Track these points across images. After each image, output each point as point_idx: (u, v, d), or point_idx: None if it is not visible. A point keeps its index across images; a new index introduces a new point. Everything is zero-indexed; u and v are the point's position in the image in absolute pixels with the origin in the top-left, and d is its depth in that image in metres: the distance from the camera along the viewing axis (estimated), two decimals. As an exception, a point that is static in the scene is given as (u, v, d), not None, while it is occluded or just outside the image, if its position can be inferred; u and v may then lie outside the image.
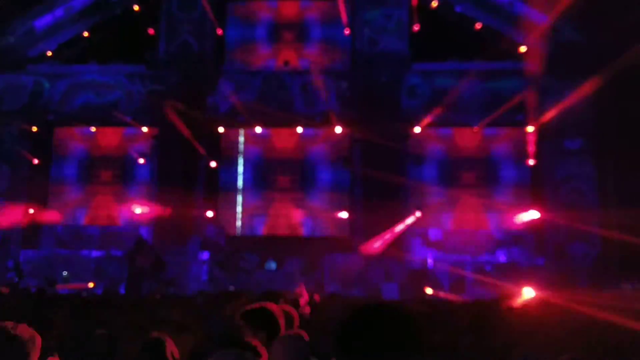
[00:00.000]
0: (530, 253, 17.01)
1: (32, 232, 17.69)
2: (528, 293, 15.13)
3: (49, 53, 18.65)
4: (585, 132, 16.80)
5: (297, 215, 17.69)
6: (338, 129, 17.59)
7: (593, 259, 16.26)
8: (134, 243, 15.10)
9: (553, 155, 16.92)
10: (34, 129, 18.19)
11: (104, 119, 18.21)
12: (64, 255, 17.16)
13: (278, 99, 17.55)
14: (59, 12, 18.15)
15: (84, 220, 18.24)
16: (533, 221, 16.80)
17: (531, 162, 17.14)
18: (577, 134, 16.93)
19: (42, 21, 18.24)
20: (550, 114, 16.67)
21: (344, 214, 17.19)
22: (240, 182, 17.99)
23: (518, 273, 16.34)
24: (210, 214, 17.53)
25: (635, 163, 14.93)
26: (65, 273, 16.54)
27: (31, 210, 17.79)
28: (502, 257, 17.07)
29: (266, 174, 17.96)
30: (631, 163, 15.06)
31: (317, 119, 17.51)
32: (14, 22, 18.07)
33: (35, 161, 18.10)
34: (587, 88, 16.37)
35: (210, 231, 17.11)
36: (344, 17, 17.67)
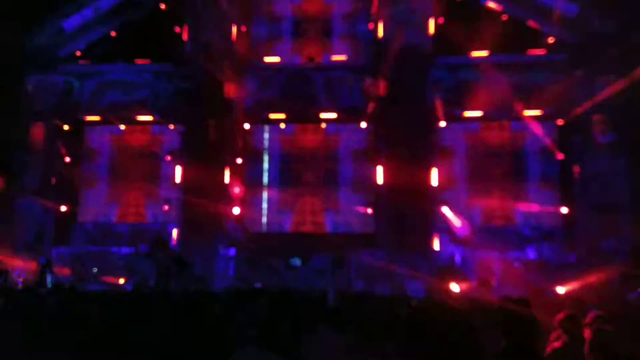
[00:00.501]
0: (560, 250, 16.63)
1: (64, 229, 18.08)
2: (559, 291, 14.92)
3: (78, 53, 18.99)
4: (617, 126, 16.32)
5: (322, 212, 17.66)
6: (363, 124, 17.48)
7: (625, 255, 15.82)
8: (152, 241, 15.29)
9: (583, 149, 16.49)
10: (66, 127, 18.60)
11: (132, 117, 18.50)
12: (95, 252, 17.47)
13: (302, 94, 17.52)
14: (87, 12, 18.46)
15: (114, 218, 18.54)
16: (563, 217, 16.48)
17: (560, 156, 16.77)
18: (609, 128, 16.45)
19: (71, 22, 18.56)
20: (580, 108, 16.30)
21: (369, 210, 17.08)
22: (265, 179, 18.05)
23: (548, 270, 16.06)
24: (236, 210, 17.64)
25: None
26: (95, 270, 16.86)
27: (63, 208, 18.22)
28: (531, 254, 16.73)
29: (291, 170, 17.98)
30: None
31: (342, 114, 17.44)
32: (44, 23, 18.45)
33: (67, 159, 18.50)
34: (618, 80, 15.96)
35: (231, 228, 17.28)
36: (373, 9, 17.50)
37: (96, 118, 18.77)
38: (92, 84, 18.61)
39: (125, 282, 16.36)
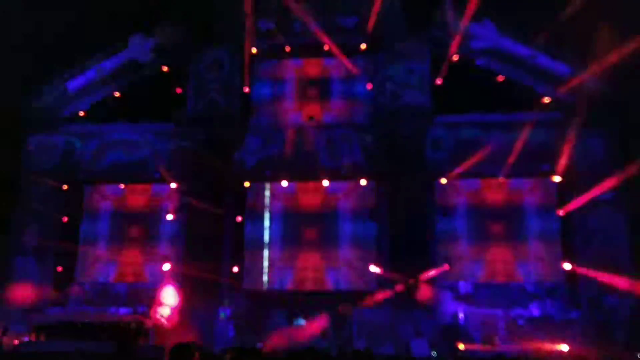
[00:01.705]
0: (563, 306, 16.53)
1: (61, 289, 17.78)
2: (563, 348, 14.76)
3: (81, 113, 19.21)
4: (617, 183, 16.53)
5: (324, 270, 17.54)
6: (363, 182, 17.63)
7: (628, 311, 15.76)
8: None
9: (584, 206, 16.63)
10: (65, 187, 18.57)
11: (133, 177, 18.58)
12: (92, 313, 17.09)
13: (304, 153, 17.76)
14: (91, 73, 18.80)
15: (112, 277, 18.28)
16: (566, 273, 16.46)
17: (561, 212, 16.92)
18: (608, 185, 16.67)
19: (75, 83, 18.88)
20: (578, 165, 16.62)
21: (374, 268, 16.98)
22: (266, 237, 17.99)
23: (552, 327, 15.92)
24: (235, 269, 17.50)
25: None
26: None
27: (60, 268, 17.98)
28: (535, 311, 16.60)
29: (292, 228, 17.95)
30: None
31: (343, 172, 17.63)
32: (48, 84, 18.75)
33: (65, 219, 18.39)
34: (615, 139, 16.37)
35: (231, 287, 17.15)
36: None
37: (97, 178, 18.79)
38: (93, 144, 18.77)
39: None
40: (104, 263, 18.45)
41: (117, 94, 19.08)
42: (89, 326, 14.81)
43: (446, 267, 16.80)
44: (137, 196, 18.91)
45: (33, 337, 14.94)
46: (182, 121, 18.48)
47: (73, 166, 18.67)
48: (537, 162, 16.95)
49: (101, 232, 18.73)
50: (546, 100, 17.32)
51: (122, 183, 18.84)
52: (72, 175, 18.65)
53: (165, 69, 19.00)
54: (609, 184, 16.21)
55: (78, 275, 18.32)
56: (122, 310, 17.08)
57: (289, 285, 17.52)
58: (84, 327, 14.81)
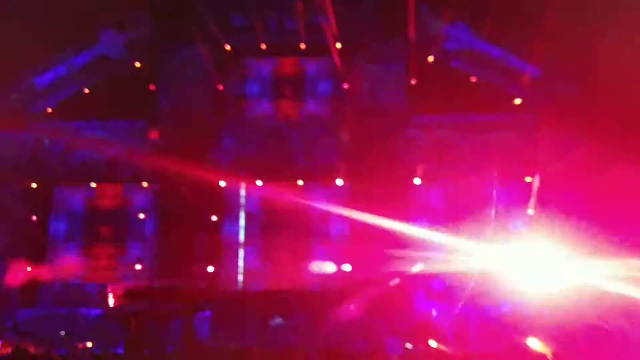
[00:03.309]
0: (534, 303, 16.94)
1: (31, 290, 17.40)
2: (533, 344, 15.17)
3: (50, 110, 18.74)
4: (583, 183, 17.00)
5: (299, 268, 17.60)
6: (339, 182, 17.72)
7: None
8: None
9: (552, 205, 17.06)
10: (34, 185, 18.15)
11: (104, 176, 18.24)
12: (63, 314, 16.83)
13: (279, 152, 17.74)
14: (60, 69, 18.36)
15: (83, 278, 17.97)
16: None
17: (530, 212, 17.31)
18: (575, 185, 17.13)
19: (44, 78, 18.41)
20: (547, 165, 17.03)
21: (349, 267, 17.13)
22: (242, 236, 17.94)
23: (522, 324, 16.31)
24: (211, 269, 17.41)
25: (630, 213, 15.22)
26: (62, 333, 16.22)
27: (29, 268, 17.59)
28: (505, 308, 17.00)
29: (268, 227, 17.94)
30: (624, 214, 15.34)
31: (318, 172, 17.68)
32: (15, 80, 18.23)
33: (34, 218, 17.98)
34: (583, 139, 16.82)
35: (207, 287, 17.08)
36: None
37: (66, 177, 18.41)
38: (63, 141, 18.35)
39: (94, 346, 15.76)
40: (75, 263, 18.11)
41: (87, 91, 18.66)
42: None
43: (420, 265, 17.03)
44: (108, 195, 18.60)
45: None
46: (155, 119, 18.22)
47: (42, 164, 18.24)
48: (508, 163, 17.29)
49: (71, 232, 18.40)
50: (517, 101, 17.66)
51: (93, 182, 18.48)
52: (41, 173, 18.22)
53: (137, 65, 18.64)
54: (576, 182, 16.71)
55: (48, 276, 17.93)
56: (94, 312, 16.91)
57: (265, 285, 17.52)
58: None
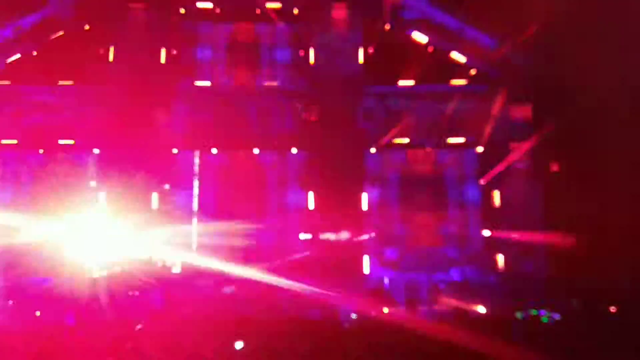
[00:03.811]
0: (482, 271, 17.44)
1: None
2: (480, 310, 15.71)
3: (-3, 73, 18.06)
4: (532, 153, 17.38)
5: (254, 237, 17.60)
6: (294, 150, 17.66)
7: (540, 277, 16.80)
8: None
9: (502, 175, 17.43)
10: (-19, 151, 17.59)
11: (53, 142, 17.74)
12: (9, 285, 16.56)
13: (234, 120, 17.52)
14: (6, 31, 17.61)
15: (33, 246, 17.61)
16: (485, 239, 17.30)
17: (482, 182, 17.63)
18: (524, 154, 17.50)
19: (-11, 41, 17.66)
20: (497, 135, 17.31)
21: (304, 236, 17.23)
22: (195, 206, 17.80)
23: (471, 290, 16.81)
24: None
25: (579, 183, 15.63)
26: (10, 302, 16.02)
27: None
28: (455, 276, 17.46)
29: (222, 196, 17.83)
30: (576, 183, 15.75)
31: (274, 140, 17.57)
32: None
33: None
34: (532, 110, 17.13)
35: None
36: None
37: (14, 141, 17.87)
38: (10, 105, 17.75)
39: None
40: (24, 231, 17.71)
41: (35, 53, 18.00)
42: None
43: (373, 233, 17.29)
44: (58, 162, 18.13)
45: None
46: (106, 84, 17.73)
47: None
48: (462, 133, 17.48)
49: (20, 199, 17.92)
50: (473, 72, 17.79)
51: (41, 148, 17.99)
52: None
53: (87, 27, 18.02)
54: (525, 152, 17.11)
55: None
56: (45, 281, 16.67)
57: (219, 255, 17.48)
58: None
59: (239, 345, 12.02)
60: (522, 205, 17.31)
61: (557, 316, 14.72)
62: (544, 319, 14.58)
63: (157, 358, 10.94)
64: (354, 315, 14.94)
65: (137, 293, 16.05)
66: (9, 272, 16.24)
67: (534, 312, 14.64)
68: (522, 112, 17.27)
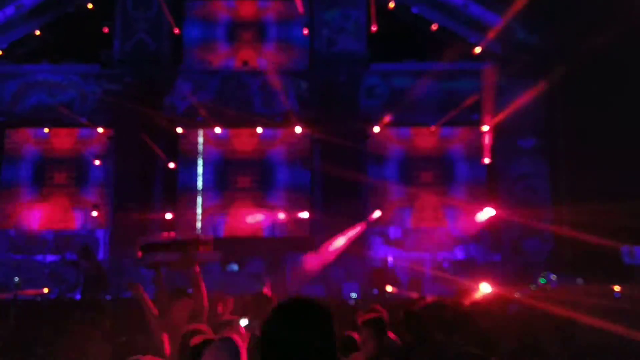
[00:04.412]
0: (486, 250, 17.39)
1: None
2: (485, 289, 15.60)
3: (0, 52, 18.06)
4: (538, 131, 17.27)
5: (257, 216, 17.63)
6: (298, 129, 17.61)
7: (546, 255, 16.74)
8: (79, 249, 14.82)
9: (507, 154, 17.34)
10: (-16, 130, 17.66)
11: (58, 120, 17.75)
12: (17, 261, 16.66)
13: (237, 99, 17.47)
14: (9, 10, 17.54)
15: (37, 224, 17.73)
16: (490, 218, 17.20)
17: (487, 160, 17.52)
18: (530, 133, 17.39)
19: (-9, 20, 17.64)
20: (503, 114, 17.13)
21: (304, 214, 17.23)
22: (200, 183, 17.82)
23: (475, 269, 16.75)
24: (169, 216, 17.30)
25: (586, 161, 15.46)
26: (16, 279, 16.07)
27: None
28: (460, 254, 17.42)
29: (226, 174, 17.84)
30: (582, 161, 15.60)
31: (277, 119, 17.51)
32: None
33: (-15, 163, 17.57)
34: (539, 88, 16.91)
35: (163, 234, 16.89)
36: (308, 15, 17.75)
37: (18, 120, 17.91)
38: (14, 85, 17.75)
39: (50, 292, 15.68)
40: (29, 209, 17.84)
41: (38, 33, 17.97)
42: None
43: (377, 213, 17.22)
44: (62, 140, 18.17)
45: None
46: (109, 63, 17.72)
47: (-7, 108, 17.69)
48: (466, 111, 17.33)
49: (24, 178, 18.00)
50: (477, 49, 17.59)
51: (46, 127, 18.02)
52: (-8, 117, 17.70)
53: (90, 5, 17.95)
54: (531, 132, 16.96)
55: (1, 223, 17.66)
56: (49, 258, 16.77)
57: (223, 232, 17.54)
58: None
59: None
60: (529, 184, 17.23)
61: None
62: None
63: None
64: (354, 295, 14.90)
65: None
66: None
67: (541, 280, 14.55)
68: (527, 89, 17.07)
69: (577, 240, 14.26)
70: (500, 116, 17.17)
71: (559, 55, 16.10)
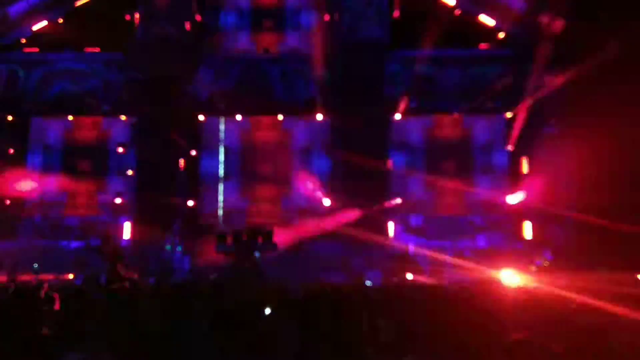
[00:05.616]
0: (509, 237, 17.25)
1: (9, 223, 17.41)
2: (508, 277, 15.49)
3: (23, 40, 18.24)
4: (563, 118, 17.02)
5: (279, 203, 17.68)
6: (319, 116, 17.57)
7: (570, 243, 16.55)
8: (102, 236, 14.99)
9: (531, 141, 17.12)
10: (10, 118, 17.88)
11: (81, 108, 17.95)
12: (42, 247, 16.92)
13: (258, 86, 17.49)
14: (33, -2, 17.75)
15: (62, 211, 17.97)
16: (512, 206, 17.06)
17: (510, 148, 17.34)
18: (554, 120, 17.14)
19: (17, 8, 17.79)
20: (528, 101, 16.91)
21: (328, 202, 17.22)
22: (221, 171, 17.90)
23: (497, 257, 16.63)
24: (190, 203, 17.43)
25: (610, 148, 15.22)
26: (35, 265, 16.29)
27: (7, 201, 17.54)
28: (481, 242, 17.30)
29: (247, 162, 17.90)
30: (607, 148, 15.35)
31: (298, 106, 17.49)
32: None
33: (11, 151, 17.80)
34: (564, 75, 16.64)
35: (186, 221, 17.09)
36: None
37: (43, 109, 18.12)
38: (38, 73, 17.99)
39: (75, 277, 15.89)
40: (54, 196, 18.08)
41: (61, 21, 18.12)
42: None
43: (398, 200, 17.15)
44: (86, 128, 18.39)
45: None
46: (132, 50, 17.81)
47: (17, 96, 17.92)
48: (490, 98, 17.16)
49: (50, 165, 18.26)
50: (501, 35, 17.38)
51: (70, 115, 18.22)
52: (16, 105, 17.91)
53: (112, -6, 18.06)
54: (555, 119, 16.71)
55: (27, 209, 17.93)
56: (74, 244, 17.01)
57: (245, 220, 17.62)
58: None
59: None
60: (552, 171, 17.01)
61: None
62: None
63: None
64: (369, 282, 14.89)
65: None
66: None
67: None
68: (552, 75, 16.81)
69: (602, 229, 14.10)
70: (525, 103, 16.98)
71: (584, 41, 15.82)
